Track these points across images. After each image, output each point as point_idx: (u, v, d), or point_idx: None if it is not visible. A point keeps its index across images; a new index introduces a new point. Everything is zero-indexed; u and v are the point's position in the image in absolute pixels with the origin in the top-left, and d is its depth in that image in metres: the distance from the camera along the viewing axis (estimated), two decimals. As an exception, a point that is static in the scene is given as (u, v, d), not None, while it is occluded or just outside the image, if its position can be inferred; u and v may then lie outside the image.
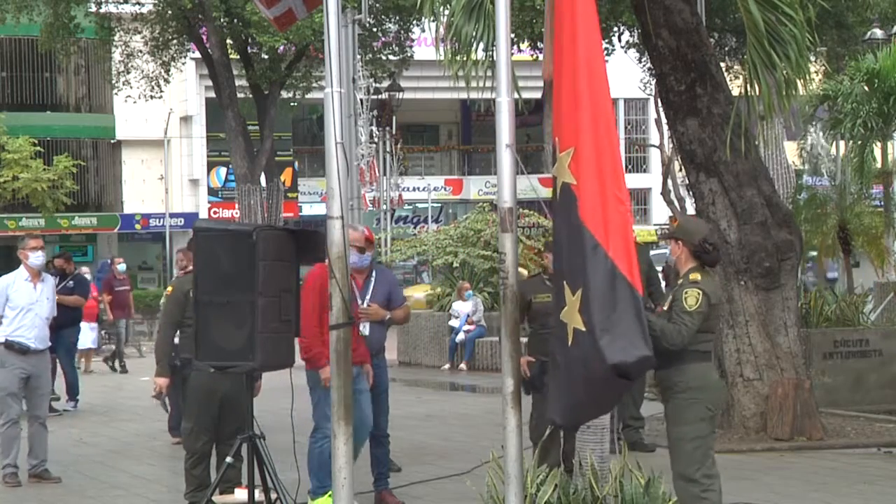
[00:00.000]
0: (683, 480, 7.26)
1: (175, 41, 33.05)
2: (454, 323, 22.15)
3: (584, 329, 6.01)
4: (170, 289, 10.50)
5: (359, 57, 24.69)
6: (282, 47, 31.62)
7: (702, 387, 7.30)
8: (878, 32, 26.27)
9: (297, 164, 48.11)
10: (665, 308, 7.34)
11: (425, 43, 29.51)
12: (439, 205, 48.80)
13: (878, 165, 23.56)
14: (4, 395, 11.19)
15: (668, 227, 7.70)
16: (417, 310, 22.94)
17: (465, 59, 10.76)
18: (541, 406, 9.11)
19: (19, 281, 11.16)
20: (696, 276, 7.35)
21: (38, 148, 36.50)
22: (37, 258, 11.12)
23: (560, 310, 6.21)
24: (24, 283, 11.14)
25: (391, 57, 33.10)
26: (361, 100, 29.03)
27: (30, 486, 10.93)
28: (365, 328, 9.61)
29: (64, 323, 14.63)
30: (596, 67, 6.23)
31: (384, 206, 36.60)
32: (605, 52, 30.28)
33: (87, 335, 21.35)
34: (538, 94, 32.74)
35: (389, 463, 10.11)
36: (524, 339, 10.29)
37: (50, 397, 11.42)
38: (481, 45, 10.79)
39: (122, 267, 24.41)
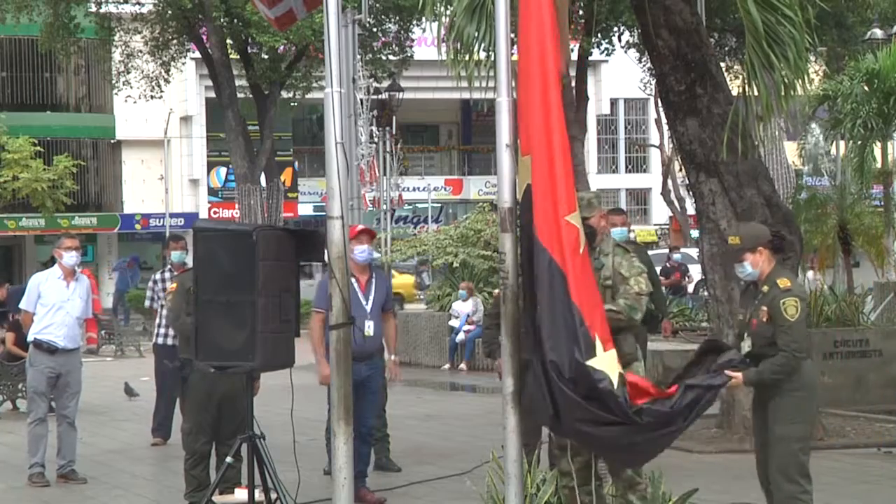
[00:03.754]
0: (785, 480, 7.26)
1: (175, 41, 33.06)
2: (454, 323, 22.17)
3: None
4: (174, 285, 10.49)
5: (359, 57, 24.68)
6: (282, 47, 31.63)
7: (813, 386, 7.40)
8: (878, 32, 26.27)
9: (297, 164, 48.12)
10: (764, 320, 7.30)
11: (425, 43, 29.54)
12: (439, 205, 48.82)
13: (878, 165, 23.55)
14: (32, 393, 11.23)
15: (729, 250, 7.59)
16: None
17: (467, 59, 10.77)
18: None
19: (52, 279, 11.16)
20: (787, 282, 7.34)
21: (38, 148, 36.49)
22: (70, 258, 11.10)
23: (534, 309, 6.22)
24: (56, 281, 11.12)
25: (391, 57, 33.10)
26: (361, 100, 29.00)
27: (30, 486, 10.94)
28: (370, 329, 9.77)
29: None
30: (553, 74, 6.25)
31: (384, 206, 36.55)
32: (605, 52, 30.61)
33: None
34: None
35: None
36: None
37: (77, 397, 11.40)
38: (483, 46, 10.80)
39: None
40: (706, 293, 12.94)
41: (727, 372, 6.78)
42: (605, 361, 5.99)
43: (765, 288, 7.35)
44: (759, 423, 7.48)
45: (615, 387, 5.95)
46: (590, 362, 5.95)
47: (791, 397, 7.28)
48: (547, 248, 6.08)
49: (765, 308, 7.30)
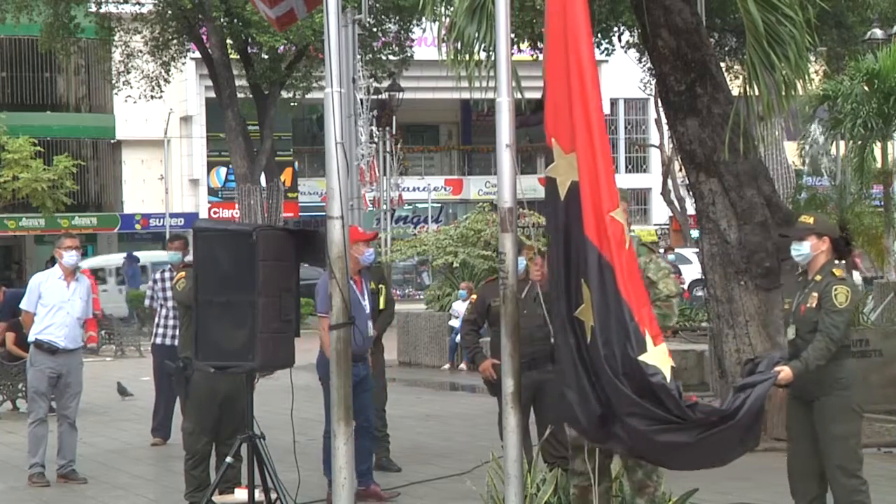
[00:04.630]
0: (846, 476, 7.40)
1: (175, 41, 33.07)
2: (454, 323, 22.15)
3: (593, 325, 6.06)
4: (182, 273, 10.49)
5: (359, 57, 24.69)
6: (282, 47, 31.64)
7: (856, 384, 7.49)
8: (878, 32, 26.25)
9: (297, 164, 48.13)
10: (812, 306, 7.36)
11: (425, 43, 29.53)
12: (439, 205, 48.84)
13: (878, 165, 23.55)
14: (33, 393, 11.23)
15: (797, 226, 7.58)
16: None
17: (467, 59, 10.76)
18: None
19: (52, 279, 11.15)
20: (841, 272, 7.44)
21: (38, 148, 36.50)
22: (71, 257, 11.09)
23: (575, 308, 6.20)
24: (57, 281, 11.12)
25: (391, 57, 33.11)
26: (361, 100, 29.03)
27: (30, 486, 10.94)
28: (370, 328, 9.83)
29: None
30: (590, 72, 6.26)
31: (384, 206, 36.61)
32: (605, 52, 30.60)
33: None
34: (538, 94, 32.73)
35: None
36: (485, 340, 10.42)
37: (78, 397, 11.42)
38: (483, 46, 10.79)
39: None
40: (706, 293, 12.92)
41: (775, 368, 6.99)
42: (657, 356, 6.00)
43: (818, 277, 7.43)
44: (798, 417, 7.60)
45: (668, 380, 5.96)
46: (641, 357, 5.95)
47: (841, 395, 7.39)
48: (596, 244, 6.09)
49: (815, 294, 7.38)
